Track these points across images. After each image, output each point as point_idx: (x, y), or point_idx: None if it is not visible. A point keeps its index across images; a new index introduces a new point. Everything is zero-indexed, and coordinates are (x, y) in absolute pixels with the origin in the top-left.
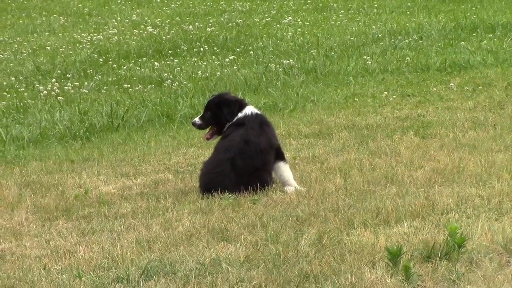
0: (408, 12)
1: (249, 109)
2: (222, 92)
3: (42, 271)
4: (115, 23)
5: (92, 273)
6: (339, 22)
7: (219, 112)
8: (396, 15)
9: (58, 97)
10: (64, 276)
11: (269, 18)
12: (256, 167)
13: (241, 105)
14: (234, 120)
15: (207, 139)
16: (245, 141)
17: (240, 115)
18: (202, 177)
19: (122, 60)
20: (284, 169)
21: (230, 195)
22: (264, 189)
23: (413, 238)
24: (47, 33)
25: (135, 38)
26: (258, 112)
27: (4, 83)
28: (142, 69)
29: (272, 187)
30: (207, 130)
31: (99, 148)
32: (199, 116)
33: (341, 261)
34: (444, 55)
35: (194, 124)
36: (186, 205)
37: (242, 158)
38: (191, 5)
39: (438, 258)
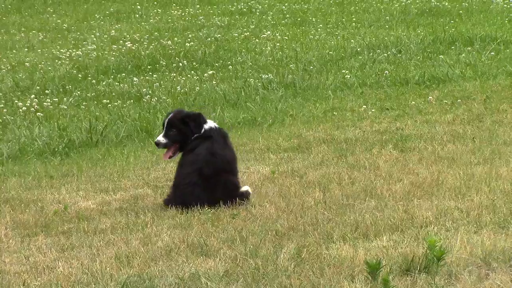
0: (387, 26)
1: (211, 123)
2: (178, 108)
3: (22, 287)
4: (94, 39)
5: None
6: (317, 37)
7: (185, 128)
8: (375, 29)
9: (37, 113)
10: None
11: (248, 33)
12: (224, 173)
13: (204, 118)
14: (201, 133)
15: (170, 157)
16: (211, 153)
17: (205, 127)
18: (174, 190)
19: (101, 75)
20: None
21: (209, 209)
22: (236, 192)
23: (392, 251)
24: (26, 49)
25: (114, 53)
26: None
27: None
28: (121, 85)
29: (251, 201)
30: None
31: (78, 163)
32: (161, 135)
33: (321, 275)
34: (423, 69)
35: (158, 144)
36: (165, 220)
37: (208, 168)
38: (169, 20)
39: (417, 271)
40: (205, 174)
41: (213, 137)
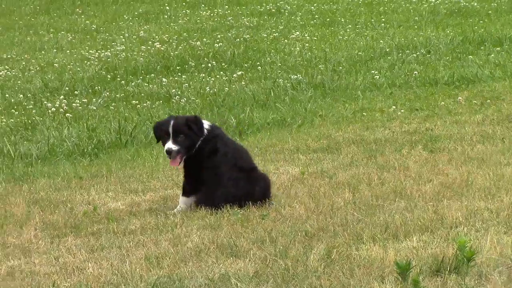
0: (416, 26)
1: (206, 123)
2: (170, 115)
3: None
4: (123, 40)
5: None
6: (346, 37)
7: (190, 132)
8: (404, 29)
9: (66, 114)
10: None
11: (277, 33)
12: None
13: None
14: (204, 135)
15: (179, 163)
16: (237, 149)
17: (206, 127)
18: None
19: (130, 76)
20: None
21: (238, 210)
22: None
23: (422, 252)
24: (55, 50)
25: (143, 54)
26: None
27: (12, 100)
28: (150, 85)
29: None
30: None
31: (108, 164)
32: (170, 143)
33: (350, 276)
34: (452, 69)
35: (171, 152)
36: (195, 221)
37: (245, 162)
38: (198, 21)
39: (447, 272)
40: (245, 168)
41: (220, 135)
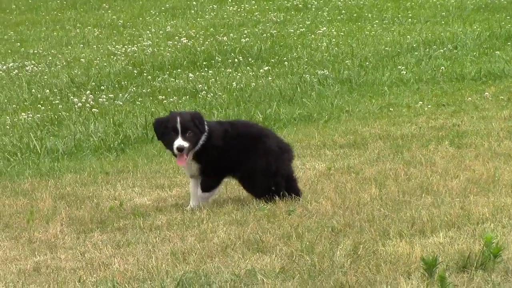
0: (443, 22)
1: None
2: (172, 111)
3: (77, 284)
4: (150, 35)
5: (127, 285)
6: (373, 32)
7: (196, 128)
8: (431, 25)
9: (93, 109)
10: None
11: (304, 29)
12: None
13: None
14: (207, 130)
15: (186, 161)
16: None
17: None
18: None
19: (157, 71)
20: None
21: (264, 205)
22: None
23: (449, 248)
24: (82, 45)
25: (169, 49)
26: None
27: (39, 95)
28: (176, 81)
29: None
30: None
31: (134, 160)
32: (180, 139)
33: (377, 272)
34: (479, 65)
35: (183, 148)
36: (221, 216)
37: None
38: (225, 16)
39: (473, 268)
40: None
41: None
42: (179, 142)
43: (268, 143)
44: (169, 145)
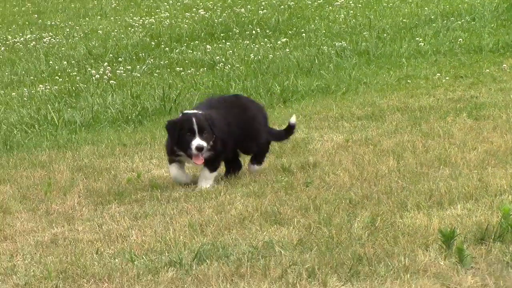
0: None
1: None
2: (183, 112)
3: (95, 255)
4: (167, 6)
5: (144, 257)
6: (391, 4)
7: (209, 129)
8: None
9: (110, 81)
10: (116, 260)
11: (321, 0)
12: None
13: None
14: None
15: (202, 159)
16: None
17: None
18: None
19: (174, 43)
20: None
21: (282, 177)
22: None
23: (467, 220)
24: (99, 17)
25: (187, 21)
26: None
27: (56, 67)
28: (194, 52)
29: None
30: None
31: (152, 131)
32: (198, 138)
33: (395, 244)
34: (497, 36)
35: (203, 148)
36: (239, 188)
37: None
38: None
39: (491, 240)
40: None
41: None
42: (198, 141)
43: (253, 109)
44: (185, 145)
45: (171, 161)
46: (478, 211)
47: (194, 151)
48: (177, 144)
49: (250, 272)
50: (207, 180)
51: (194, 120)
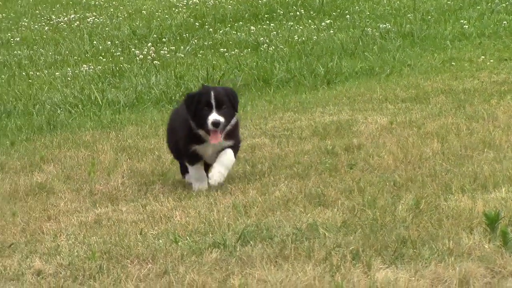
0: None
1: None
2: (204, 85)
3: (139, 236)
4: None
5: (188, 238)
6: None
7: (230, 104)
8: None
9: (154, 61)
10: (160, 241)
11: None
12: None
13: None
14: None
15: (220, 137)
16: None
17: None
18: None
19: (218, 24)
20: None
21: (326, 159)
22: None
23: (511, 203)
24: None
25: (231, 2)
26: None
27: (100, 47)
28: (238, 33)
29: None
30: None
31: None
32: (215, 113)
33: (439, 227)
34: None
35: (219, 123)
36: (283, 170)
37: None
38: None
39: None
40: None
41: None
42: (214, 116)
43: None
44: (202, 121)
45: (191, 161)
46: None
47: (210, 126)
48: (194, 119)
49: (294, 254)
50: (229, 165)
51: (212, 93)
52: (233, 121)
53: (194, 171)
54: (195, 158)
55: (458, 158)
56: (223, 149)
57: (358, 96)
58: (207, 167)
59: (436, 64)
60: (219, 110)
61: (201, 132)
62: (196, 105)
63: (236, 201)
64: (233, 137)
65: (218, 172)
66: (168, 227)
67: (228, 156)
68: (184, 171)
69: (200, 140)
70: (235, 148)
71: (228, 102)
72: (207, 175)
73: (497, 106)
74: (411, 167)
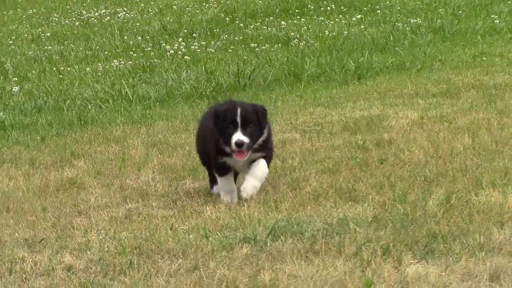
0: None
1: None
2: (230, 100)
3: (169, 231)
4: None
5: (219, 233)
6: None
7: (258, 123)
8: None
9: (185, 57)
10: (191, 236)
11: None
12: None
13: None
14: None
15: (246, 155)
16: None
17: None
18: None
19: (249, 19)
20: None
21: (357, 154)
22: None
23: None
24: None
25: None
26: None
27: (131, 42)
28: (269, 28)
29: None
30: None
31: None
32: (240, 133)
33: (470, 221)
34: None
35: (242, 144)
36: (313, 165)
37: None
38: None
39: None
40: None
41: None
42: (238, 136)
43: None
44: (226, 139)
45: (220, 171)
46: None
47: (233, 146)
48: (220, 135)
49: (324, 249)
50: (262, 177)
51: (238, 110)
52: (263, 137)
53: (224, 182)
54: (225, 169)
55: (489, 153)
56: (255, 159)
57: (389, 91)
58: (236, 175)
59: (467, 59)
60: (244, 129)
61: (227, 149)
62: (222, 122)
63: (266, 196)
64: (264, 149)
65: (250, 185)
66: (198, 222)
67: (261, 167)
68: (212, 181)
69: (229, 154)
70: (269, 159)
71: (256, 121)
72: (238, 187)
73: None
74: (442, 162)
